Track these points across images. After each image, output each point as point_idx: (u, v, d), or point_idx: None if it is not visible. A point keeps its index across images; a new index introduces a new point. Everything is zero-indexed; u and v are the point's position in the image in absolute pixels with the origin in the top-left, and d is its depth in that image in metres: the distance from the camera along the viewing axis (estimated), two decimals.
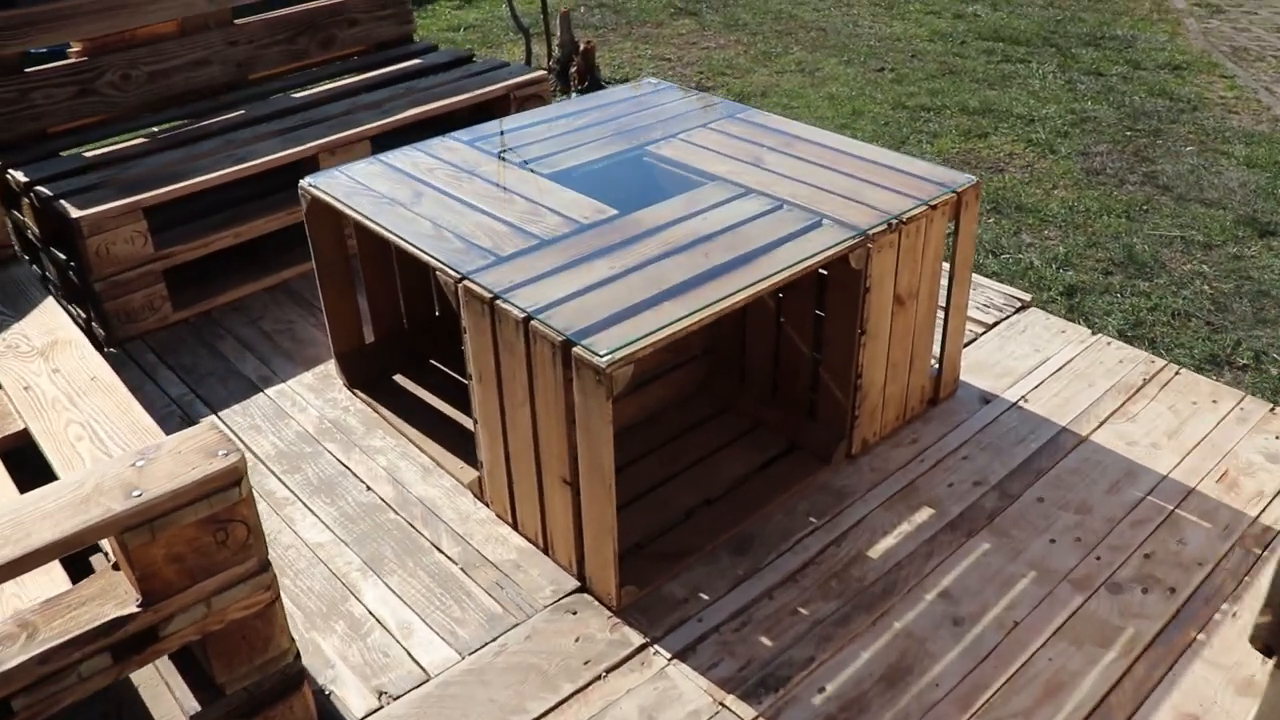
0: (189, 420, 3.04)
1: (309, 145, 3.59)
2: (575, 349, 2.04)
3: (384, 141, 3.58)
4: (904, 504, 2.65)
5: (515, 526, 2.56)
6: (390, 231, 2.54)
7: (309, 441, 2.94)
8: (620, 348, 2.01)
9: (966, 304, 2.94)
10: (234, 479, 1.61)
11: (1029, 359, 3.20)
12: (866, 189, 2.67)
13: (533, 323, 2.14)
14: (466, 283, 2.30)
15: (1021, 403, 3.01)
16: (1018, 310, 3.47)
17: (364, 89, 4.13)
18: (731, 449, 2.81)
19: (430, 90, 4.03)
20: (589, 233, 2.47)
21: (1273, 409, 2.94)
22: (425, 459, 2.84)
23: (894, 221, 2.51)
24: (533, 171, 2.83)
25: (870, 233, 2.45)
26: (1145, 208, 4.70)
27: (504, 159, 2.92)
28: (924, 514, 2.61)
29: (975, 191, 2.69)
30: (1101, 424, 2.91)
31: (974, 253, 2.69)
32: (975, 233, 2.78)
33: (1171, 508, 2.61)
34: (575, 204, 2.62)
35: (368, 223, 2.60)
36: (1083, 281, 4.09)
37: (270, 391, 3.16)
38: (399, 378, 3.19)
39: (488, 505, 2.64)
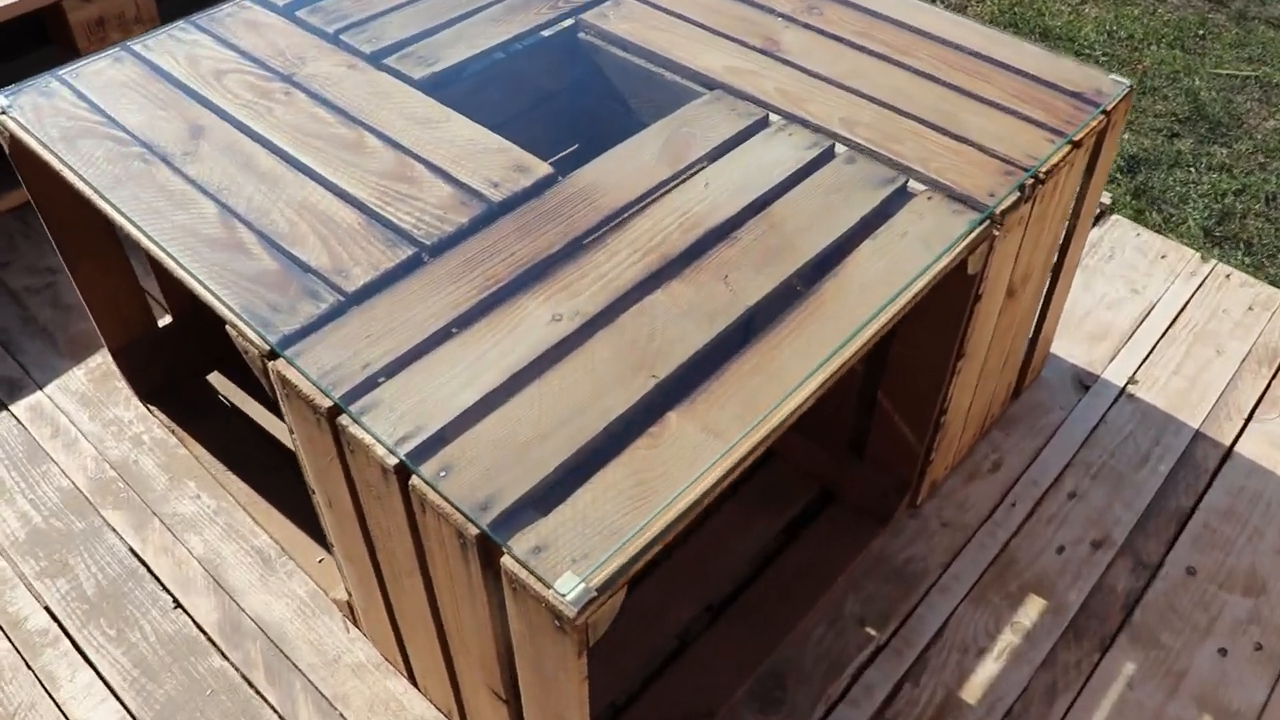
0: None
1: None
2: (508, 560, 1.02)
3: None
4: (1000, 592, 1.77)
5: (413, 682, 1.61)
6: (142, 232, 1.39)
7: (80, 510, 1.87)
8: (601, 566, 1.00)
9: (1079, 263, 1.95)
10: None
11: (1127, 305, 2.27)
12: (962, 106, 1.60)
13: (415, 483, 1.09)
14: (282, 366, 1.21)
15: (1131, 388, 2.10)
16: (1097, 218, 2.50)
17: None
18: (739, 503, 1.86)
19: None
20: (505, 224, 1.37)
21: None
22: (262, 535, 1.82)
23: (1029, 183, 1.47)
24: (398, 75, 1.65)
25: (998, 211, 1.41)
26: (1200, 32, 3.65)
27: (344, 44, 1.72)
28: (1032, 609, 1.75)
29: (1126, 106, 1.65)
30: (1247, 421, 2.04)
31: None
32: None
33: None
34: (476, 155, 1.49)
35: (100, 202, 1.44)
36: (1145, 149, 3.10)
37: (17, 408, 2.04)
38: (216, 377, 2.09)
39: (366, 636, 1.67)
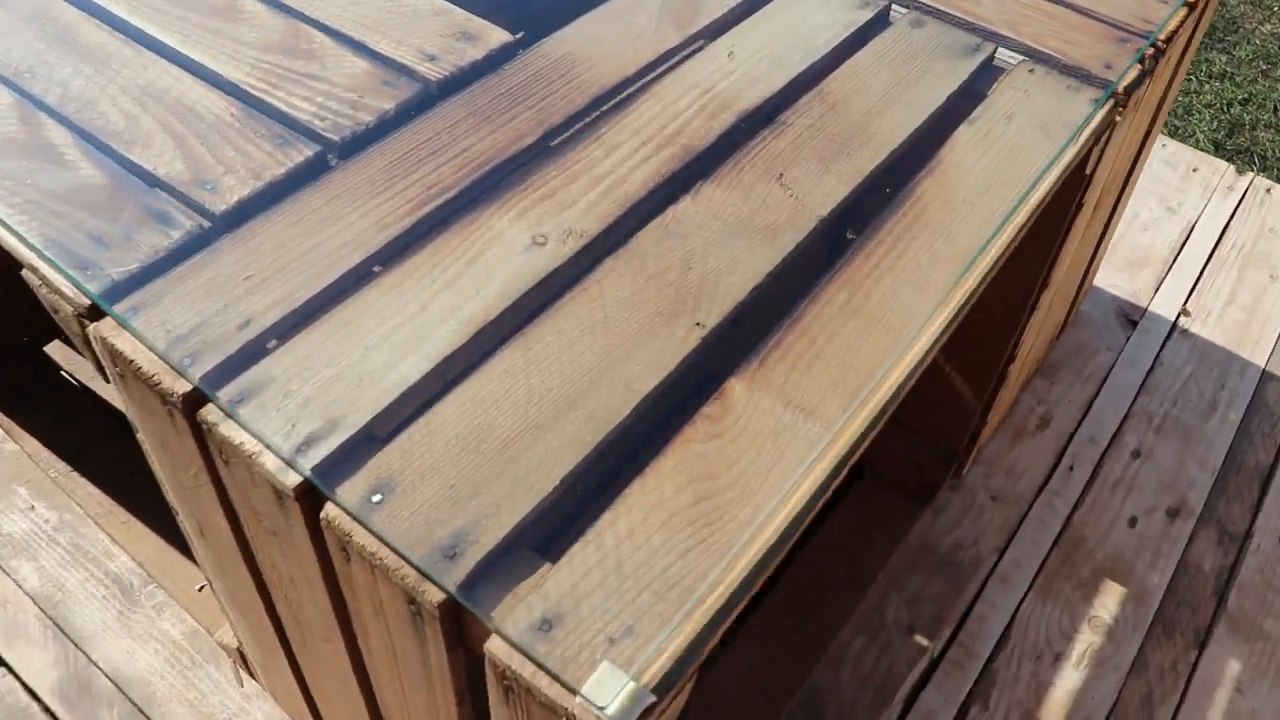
0: None
1: None
2: (498, 647, 0.61)
3: None
4: (1070, 580, 1.43)
5: None
6: None
7: None
8: (658, 646, 0.60)
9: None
10: None
11: (1164, 226, 1.94)
12: None
13: (331, 515, 0.66)
14: (108, 330, 0.76)
15: (1184, 321, 1.78)
16: None
17: None
18: None
19: None
20: (448, 110, 0.93)
21: None
22: (121, 557, 1.36)
23: (1148, 54, 1.09)
24: None
25: (1120, 88, 1.04)
26: None
27: None
28: (1110, 599, 1.41)
29: None
30: None
31: None
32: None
33: None
34: (400, 19, 1.04)
35: None
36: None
37: None
38: (57, 346, 1.61)
39: (266, 691, 1.24)
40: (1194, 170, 2.07)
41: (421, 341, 0.74)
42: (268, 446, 0.68)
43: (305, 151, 0.88)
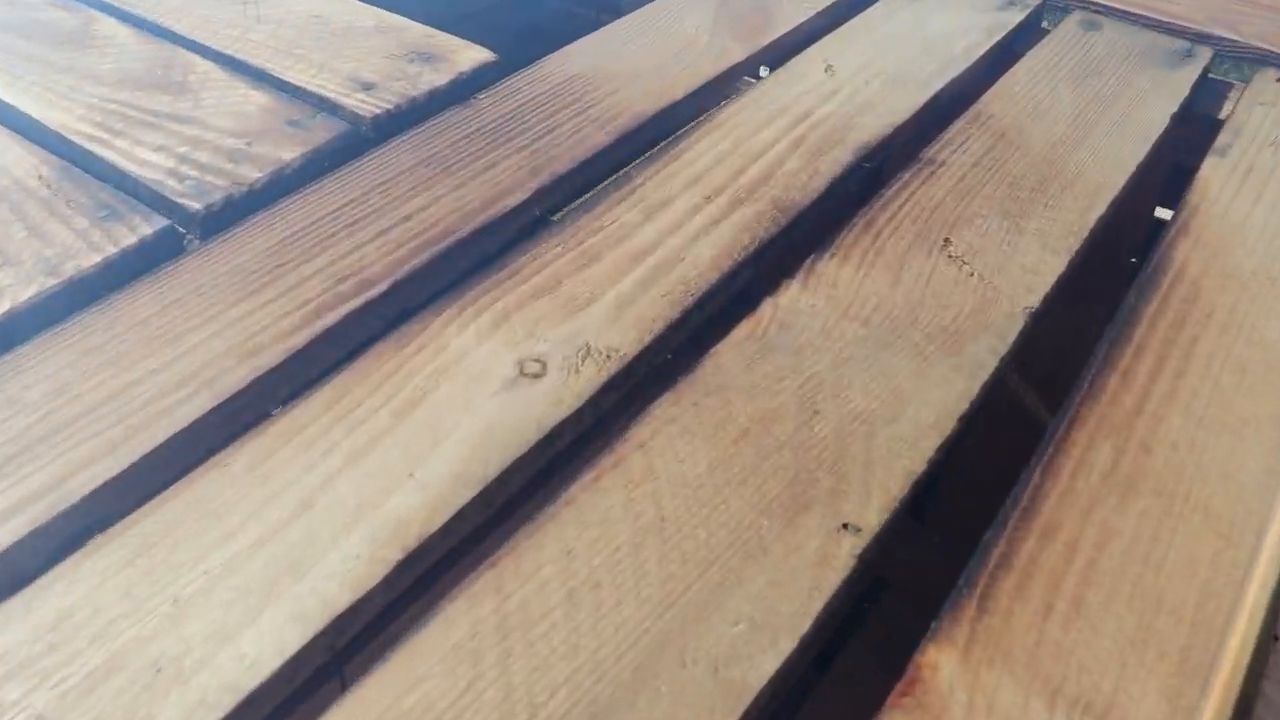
0: None
1: None
2: None
3: None
4: None
5: None
6: None
7: None
8: None
9: None
10: None
11: None
12: None
13: None
14: None
15: None
16: None
17: None
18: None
19: None
20: (385, 158, 0.57)
21: None
22: None
23: None
24: None
25: None
26: None
27: None
28: None
29: None
30: None
31: None
32: None
33: None
34: (330, 38, 0.70)
35: None
36: None
37: None
38: None
39: None
40: None
41: (293, 581, 0.37)
42: None
43: (143, 229, 0.53)
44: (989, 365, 0.45)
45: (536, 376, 0.45)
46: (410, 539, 0.38)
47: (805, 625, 0.36)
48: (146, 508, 0.40)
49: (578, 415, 0.43)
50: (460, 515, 0.39)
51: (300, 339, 0.46)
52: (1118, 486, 0.41)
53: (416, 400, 0.44)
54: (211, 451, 0.42)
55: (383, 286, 0.49)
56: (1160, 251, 0.54)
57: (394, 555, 0.38)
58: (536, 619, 0.36)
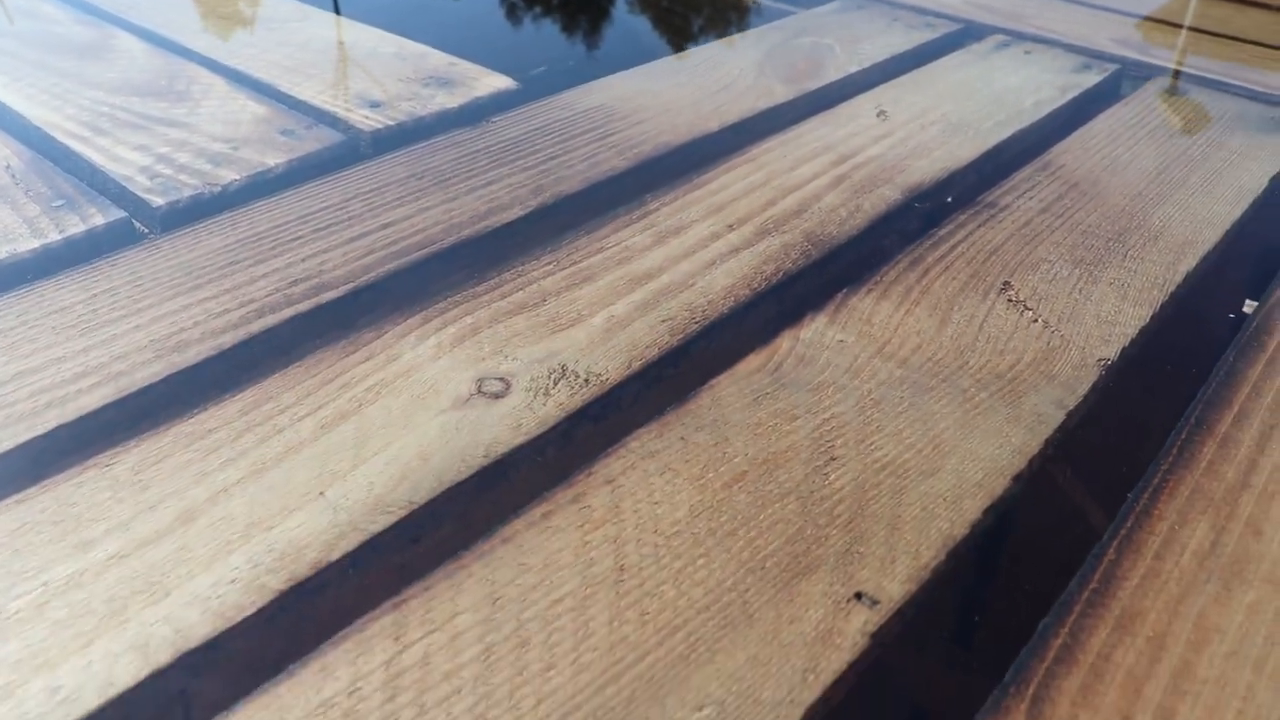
0: None
1: None
2: None
3: None
4: None
5: None
6: None
7: None
8: None
9: None
10: None
11: None
12: None
13: None
14: None
15: None
16: None
17: None
18: None
19: None
20: (386, 165, 0.52)
21: None
22: None
23: None
24: None
25: None
26: None
27: None
28: None
29: None
30: None
31: None
32: None
33: None
34: (342, 61, 0.65)
35: None
36: None
37: None
38: None
39: None
40: None
41: (145, 604, 0.29)
42: None
43: (95, 220, 0.47)
44: (1052, 419, 0.37)
45: (497, 396, 0.37)
46: (302, 566, 0.30)
47: (794, 718, 0.27)
48: (2, 505, 0.33)
49: (537, 443, 0.36)
50: (371, 545, 0.31)
51: (231, 339, 0.40)
52: (1219, 572, 0.32)
53: (348, 412, 0.36)
54: (89, 452, 0.35)
55: (339, 292, 0.43)
56: (1265, 312, 0.45)
57: (277, 583, 0.30)
58: (438, 679, 0.27)
